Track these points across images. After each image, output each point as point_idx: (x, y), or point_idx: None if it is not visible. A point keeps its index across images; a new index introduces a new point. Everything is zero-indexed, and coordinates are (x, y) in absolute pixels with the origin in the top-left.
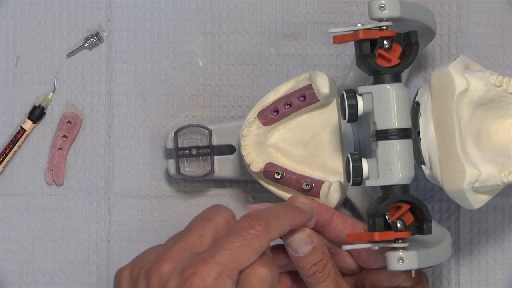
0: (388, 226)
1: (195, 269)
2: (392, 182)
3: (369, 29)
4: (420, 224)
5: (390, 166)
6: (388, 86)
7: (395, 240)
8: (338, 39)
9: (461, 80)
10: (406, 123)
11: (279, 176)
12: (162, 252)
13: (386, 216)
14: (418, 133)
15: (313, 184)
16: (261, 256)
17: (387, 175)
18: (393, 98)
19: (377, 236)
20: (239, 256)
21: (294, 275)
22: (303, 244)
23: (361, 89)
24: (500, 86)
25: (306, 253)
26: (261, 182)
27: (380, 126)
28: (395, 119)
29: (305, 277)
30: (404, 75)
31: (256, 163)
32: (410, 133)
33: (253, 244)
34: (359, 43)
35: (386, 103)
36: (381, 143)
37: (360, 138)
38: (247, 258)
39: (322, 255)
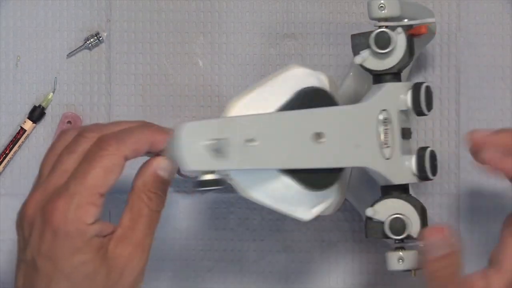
0: None
1: (53, 204)
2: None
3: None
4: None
5: None
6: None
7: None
8: None
9: None
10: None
11: None
12: (28, 195)
13: None
14: None
15: None
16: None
17: None
18: None
19: None
20: (92, 180)
21: None
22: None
23: None
24: None
25: None
26: None
27: None
28: None
29: None
30: (404, 75)
31: None
32: (410, 133)
33: (104, 164)
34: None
35: None
36: None
37: None
38: (103, 179)
39: None
